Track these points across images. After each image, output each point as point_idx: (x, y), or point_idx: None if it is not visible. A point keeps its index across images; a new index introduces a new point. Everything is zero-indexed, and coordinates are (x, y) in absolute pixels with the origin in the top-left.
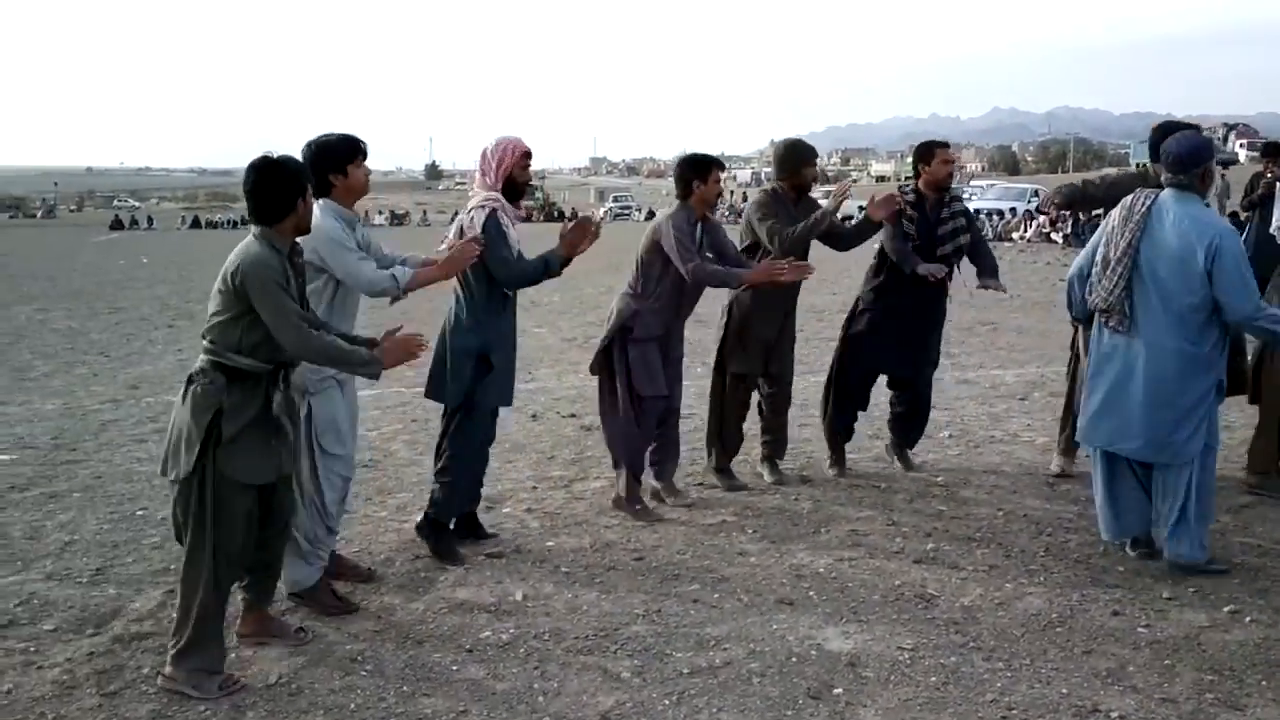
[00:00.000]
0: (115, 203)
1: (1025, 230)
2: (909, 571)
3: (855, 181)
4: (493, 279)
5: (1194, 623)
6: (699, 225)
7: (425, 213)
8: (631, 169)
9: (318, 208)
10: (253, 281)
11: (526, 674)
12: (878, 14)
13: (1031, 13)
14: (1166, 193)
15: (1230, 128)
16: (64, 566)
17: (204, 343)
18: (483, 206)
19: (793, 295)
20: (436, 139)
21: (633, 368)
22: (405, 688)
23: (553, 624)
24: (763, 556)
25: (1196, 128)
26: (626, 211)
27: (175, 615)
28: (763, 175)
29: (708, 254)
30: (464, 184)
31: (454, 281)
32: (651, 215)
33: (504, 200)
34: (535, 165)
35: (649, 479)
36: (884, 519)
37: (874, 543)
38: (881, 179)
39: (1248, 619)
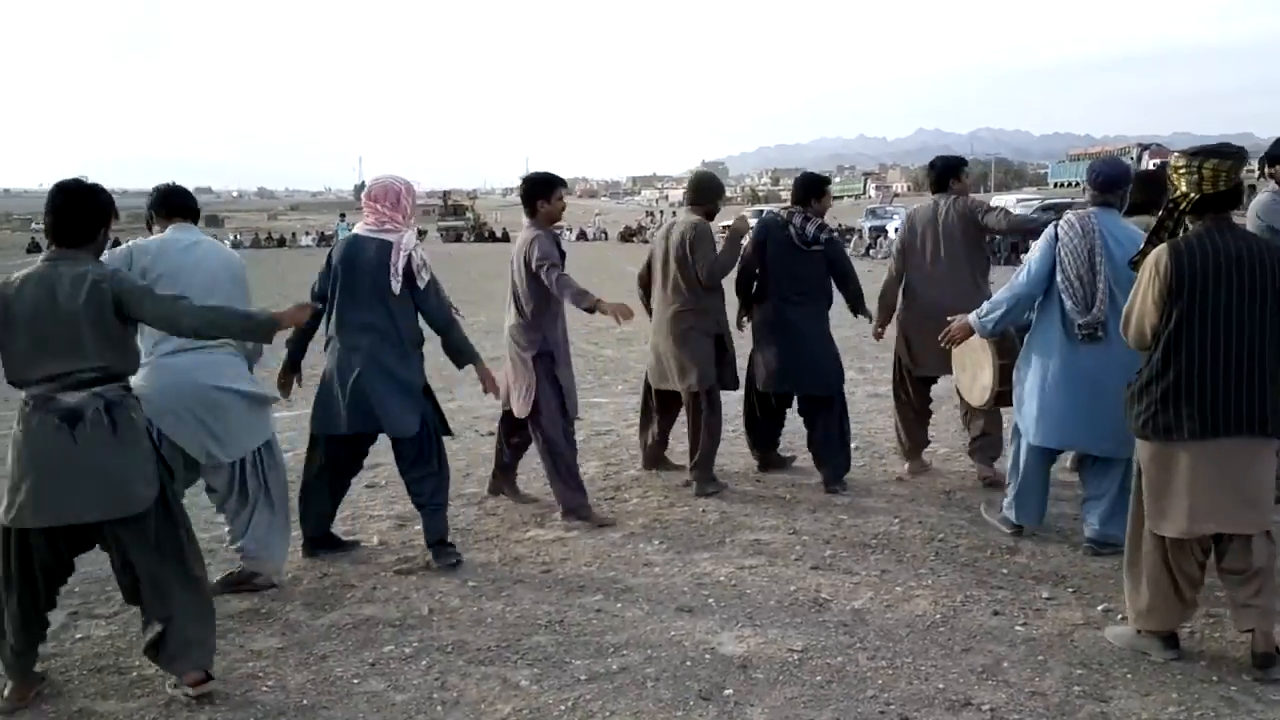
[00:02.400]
0: (33, 225)
1: None
2: (805, 577)
3: (784, 201)
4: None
5: (1069, 621)
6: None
7: None
8: None
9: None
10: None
11: (427, 685)
12: (806, 38)
13: (956, 37)
14: (1098, 210)
15: (1144, 148)
16: None
17: None
18: (416, 246)
19: None
20: (366, 159)
21: (565, 393)
22: (305, 701)
23: (456, 636)
24: (667, 566)
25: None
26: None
27: None
28: None
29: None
30: None
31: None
32: (583, 235)
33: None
34: (469, 184)
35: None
36: (786, 528)
37: (775, 551)
38: None
39: (1119, 616)
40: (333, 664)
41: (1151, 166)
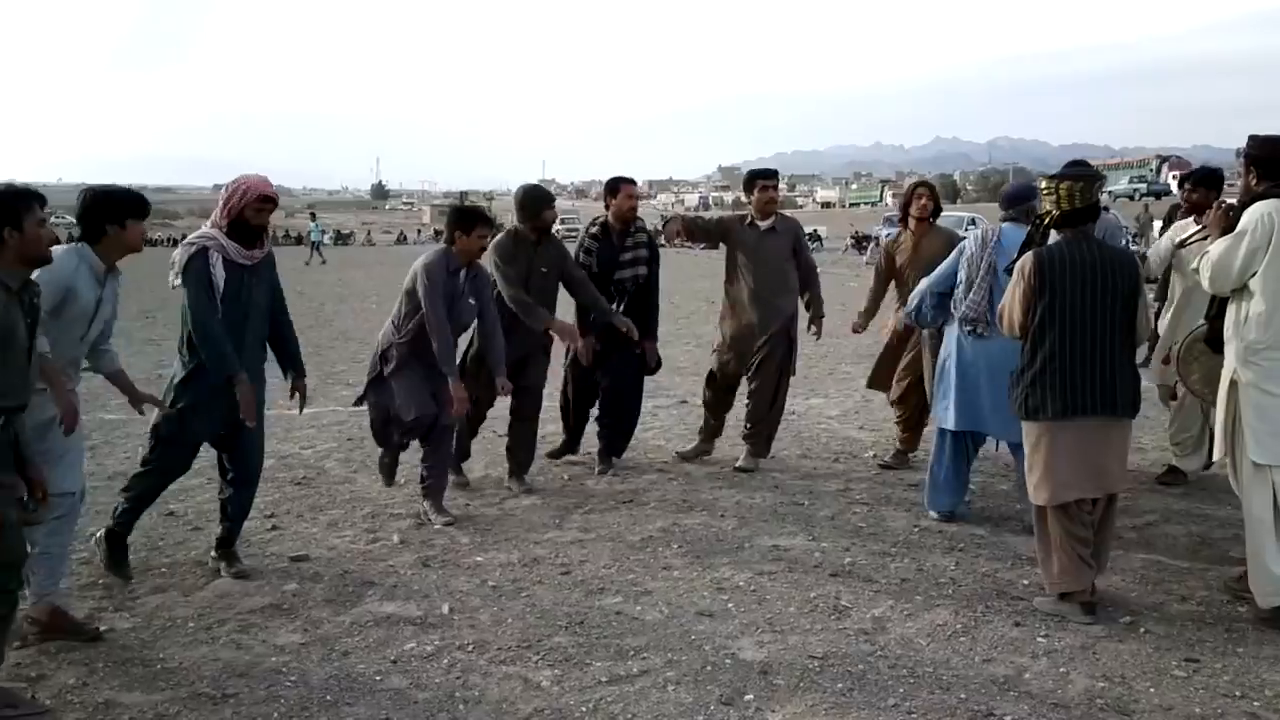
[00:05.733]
0: (54, 219)
1: None
2: (825, 584)
3: (800, 208)
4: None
5: (1091, 632)
6: (462, 272)
7: (370, 232)
8: (580, 191)
9: (74, 251)
10: None
11: (449, 683)
12: (824, 45)
13: (974, 46)
14: (1004, 224)
15: (1164, 160)
16: None
17: None
18: (191, 243)
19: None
20: (384, 159)
21: (395, 395)
22: (329, 697)
23: (477, 635)
24: (686, 571)
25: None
26: (574, 233)
27: None
28: (709, 199)
29: (470, 300)
30: (410, 203)
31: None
32: None
33: (223, 238)
34: (485, 186)
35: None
36: (805, 535)
37: (794, 557)
38: (827, 204)
39: (1142, 629)
40: (355, 661)
41: (1171, 179)
